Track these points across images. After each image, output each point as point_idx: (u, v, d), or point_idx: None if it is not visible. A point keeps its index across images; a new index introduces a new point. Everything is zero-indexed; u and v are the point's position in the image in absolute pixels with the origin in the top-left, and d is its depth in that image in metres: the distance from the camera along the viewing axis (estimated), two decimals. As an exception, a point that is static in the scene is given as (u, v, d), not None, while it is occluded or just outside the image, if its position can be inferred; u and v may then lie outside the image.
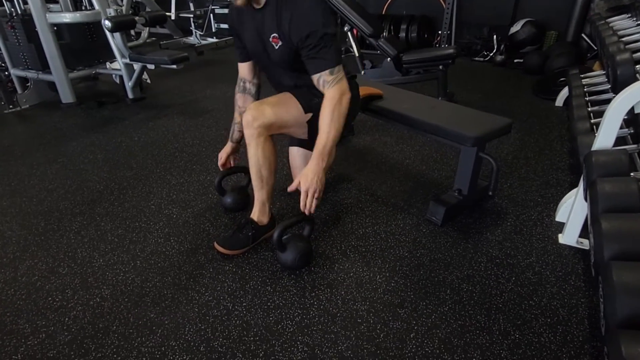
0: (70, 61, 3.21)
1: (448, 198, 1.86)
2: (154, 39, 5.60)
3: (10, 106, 3.26)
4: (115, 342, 1.26)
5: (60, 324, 1.33)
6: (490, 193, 1.81)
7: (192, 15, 4.88)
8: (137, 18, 2.96)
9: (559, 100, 3.26)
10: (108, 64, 3.40)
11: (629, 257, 0.91)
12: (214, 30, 5.60)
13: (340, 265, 1.58)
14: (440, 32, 4.73)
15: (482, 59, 4.61)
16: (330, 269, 1.57)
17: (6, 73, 3.40)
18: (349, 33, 3.36)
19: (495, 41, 4.53)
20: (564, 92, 3.21)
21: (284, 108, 1.57)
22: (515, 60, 4.34)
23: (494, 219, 1.85)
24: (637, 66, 1.67)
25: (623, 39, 2.10)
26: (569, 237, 1.66)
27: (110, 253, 1.67)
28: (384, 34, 3.09)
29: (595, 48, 3.69)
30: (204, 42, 5.17)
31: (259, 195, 1.66)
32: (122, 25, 2.87)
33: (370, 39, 3.14)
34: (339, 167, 2.33)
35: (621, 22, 2.57)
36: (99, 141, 2.72)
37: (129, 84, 3.30)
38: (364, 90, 2.04)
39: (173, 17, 4.96)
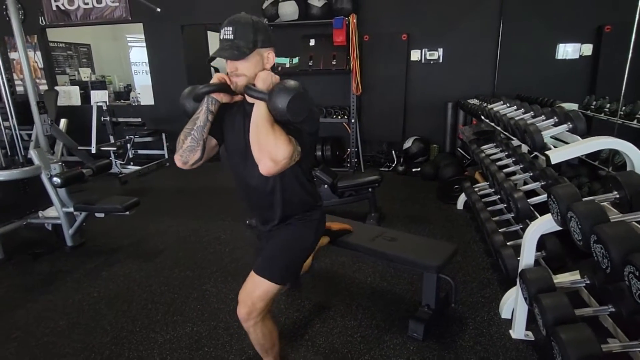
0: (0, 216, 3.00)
1: (422, 315, 2.23)
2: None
3: None
4: None
5: None
6: (452, 304, 2.25)
7: (114, 148, 4.92)
8: (85, 171, 2.99)
9: (460, 204, 4.10)
10: (41, 213, 3.23)
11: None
12: (130, 156, 5.64)
13: (360, 399, 1.78)
14: (349, 149, 5.57)
15: (386, 169, 5.51)
16: (354, 405, 1.75)
17: None
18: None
19: (394, 154, 5.50)
20: (462, 198, 4.06)
21: (278, 267, 1.56)
22: (414, 170, 5.29)
23: (459, 326, 2.27)
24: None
25: (504, 170, 2.92)
26: (519, 332, 2.14)
27: None
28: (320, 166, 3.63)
29: (469, 158, 4.82)
30: (126, 170, 5.16)
31: None
32: (71, 180, 2.87)
33: (309, 170, 3.65)
34: (315, 296, 2.58)
35: (493, 152, 3.48)
36: (53, 304, 2.52)
37: (69, 232, 3.16)
38: (336, 225, 2.42)
39: (94, 151, 4.93)
